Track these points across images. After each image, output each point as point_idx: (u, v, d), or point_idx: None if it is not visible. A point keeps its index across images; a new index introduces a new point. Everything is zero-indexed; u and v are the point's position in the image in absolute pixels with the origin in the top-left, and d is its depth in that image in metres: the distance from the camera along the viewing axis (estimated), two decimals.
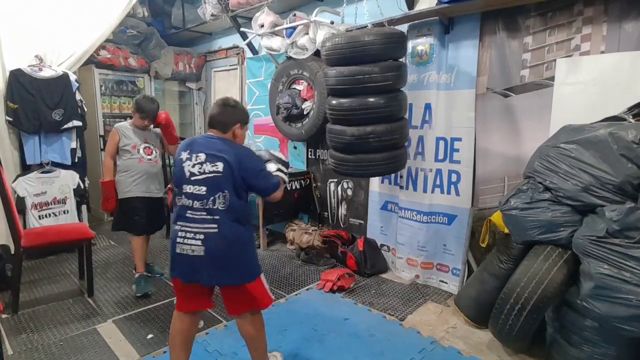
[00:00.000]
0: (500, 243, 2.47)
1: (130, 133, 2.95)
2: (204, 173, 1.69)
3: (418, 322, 2.54)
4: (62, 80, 3.67)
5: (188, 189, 1.71)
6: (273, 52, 3.91)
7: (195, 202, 1.69)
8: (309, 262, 3.55)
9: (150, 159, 2.99)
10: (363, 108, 2.52)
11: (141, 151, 2.95)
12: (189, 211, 1.70)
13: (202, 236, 1.67)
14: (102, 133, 4.72)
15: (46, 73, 3.61)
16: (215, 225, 1.67)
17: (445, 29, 2.89)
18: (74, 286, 3.07)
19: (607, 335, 1.80)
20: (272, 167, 1.90)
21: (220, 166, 1.68)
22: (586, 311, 1.82)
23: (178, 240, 1.71)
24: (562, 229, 1.98)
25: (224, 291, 1.82)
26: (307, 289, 3.04)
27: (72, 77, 3.77)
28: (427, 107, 3.01)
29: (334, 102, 2.66)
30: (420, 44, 3.00)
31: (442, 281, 3.09)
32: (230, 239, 1.70)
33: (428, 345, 2.28)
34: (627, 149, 1.79)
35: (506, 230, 2.33)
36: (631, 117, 1.99)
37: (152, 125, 3.04)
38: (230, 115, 1.82)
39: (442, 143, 3.00)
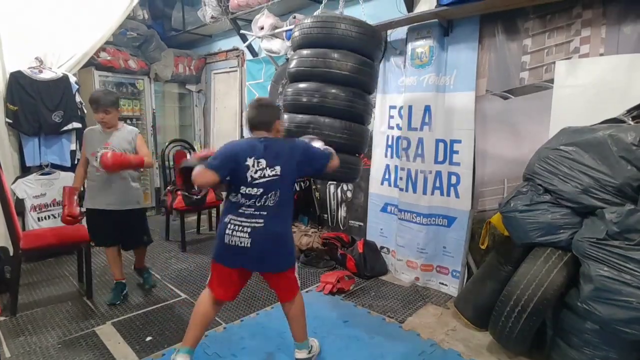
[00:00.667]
0: (500, 245, 2.47)
1: (92, 138, 2.66)
2: (264, 177, 1.83)
3: (418, 325, 2.54)
4: (62, 82, 3.67)
5: (246, 190, 1.83)
6: (273, 55, 3.92)
7: (249, 200, 1.84)
8: (309, 265, 3.54)
9: None
10: (309, 93, 2.27)
11: (99, 159, 2.57)
12: (241, 207, 1.84)
13: (249, 229, 1.82)
14: None
15: (46, 75, 3.61)
16: (262, 220, 1.83)
17: (444, 32, 2.90)
18: (73, 288, 3.06)
19: (608, 338, 1.79)
20: (318, 143, 2.02)
21: (278, 169, 1.84)
22: (586, 314, 1.81)
23: (227, 232, 1.84)
24: (562, 231, 1.98)
25: (274, 279, 1.99)
26: (307, 291, 3.03)
27: (72, 79, 3.77)
28: (427, 109, 3.01)
29: (289, 88, 2.42)
30: (419, 46, 3.01)
31: (442, 283, 3.08)
32: (273, 233, 1.86)
33: (428, 348, 2.27)
34: (627, 151, 1.79)
35: (506, 233, 2.32)
36: (630, 119, 1.99)
37: (118, 126, 2.70)
38: (270, 114, 1.95)
39: (441, 145, 3.01)
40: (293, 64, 2.41)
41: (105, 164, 2.48)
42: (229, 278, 1.92)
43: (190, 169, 1.83)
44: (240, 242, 1.82)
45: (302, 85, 2.35)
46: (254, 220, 1.82)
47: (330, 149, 1.98)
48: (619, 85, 2.19)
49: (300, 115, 2.34)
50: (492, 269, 2.40)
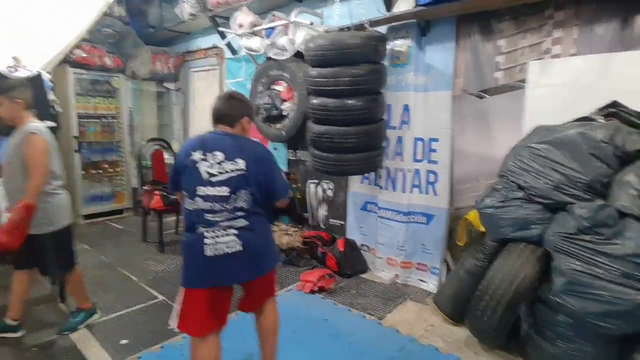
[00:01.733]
0: (476, 241, 2.51)
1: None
2: (225, 172, 1.60)
3: (397, 321, 2.56)
4: (36, 80, 3.56)
5: (207, 191, 1.59)
6: (253, 53, 3.89)
7: (216, 204, 1.59)
8: (289, 264, 3.53)
9: None
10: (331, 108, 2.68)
11: None
12: (208, 215, 1.59)
13: (235, 231, 1.60)
14: (76, 134, 4.60)
15: (21, 73, 3.49)
16: (244, 220, 1.62)
17: (422, 32, 2.93)
18: (46, 292, 2.96)
19: (582, 331, 1.84)
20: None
21: (241, 163, 1.62)
22: (559, 307, 1.86)
23: (207, 242, 1.57)
24: (534, 226, 2.03)
25: (254, 285, 1.75)
26: (287, 291, 3.02)
27: (46, 77, 3.65)
28: (406, 108, 3.04)
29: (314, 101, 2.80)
30: (398, 46, 3.03)
31: (421, 280, 3.12)
32: (260, 230, 1.68)
33: (407, 344, 2.30)
34: (597, 149, 1.85)
35: (482, 229, 2.37)
36: (601, 117, 2.06)
37: (24, 121, 2.20)
38: (237, 108, 1.75)
39: (420, 144, 3.04)
40: (315, 82, 2.72)
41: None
42: (214, 302, 1.63)
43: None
44: (229, 248, 1.58)
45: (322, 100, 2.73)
46: (234, 221, 1.59)
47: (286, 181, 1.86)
48: (591, 84, 2.25)
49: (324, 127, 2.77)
50: (469, 264, 2.43)
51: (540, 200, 2.02)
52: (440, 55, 2.88)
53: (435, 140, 2.97)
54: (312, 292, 2.94)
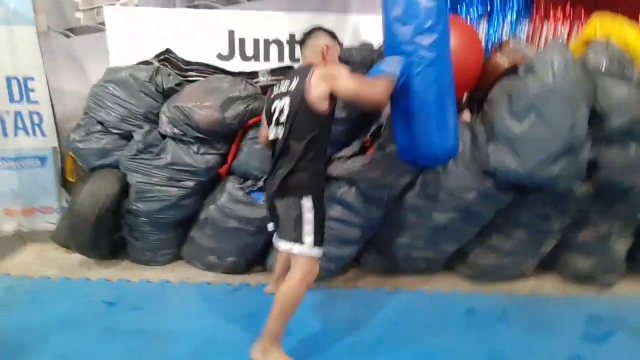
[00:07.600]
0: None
1: None
2: None
3: (12, 266, 2.55)
4: None
5: None
6: None
7: None
8: None
9: None
10: None
11: None
12: None
13: None
14: None
15: None
16: None
17: None
18: None
19: (154, 225, 2.44)
20: None
21: None
22: (137, 212, 2.40)
23: None
24: (113, 153, 2.44)
25: None
26: None
27: None
28: None
29: None
30: None
31: (50, 222, 3.12)
32: None
33: (14, 282, 2.35)
34: (143, 86, 2.37)
35: None
36: (157, 61, 2.59)
37: None
38: None
39: (14, 82, 2.86)
40: None
41: None
42: None
43: None
44: None
45: None
46: None
47: None
48: (154, 33, 2.72)
49: None
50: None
51: (115, 131, 2.43)
52: None
53: (31, 79, 2.87)
54: None
